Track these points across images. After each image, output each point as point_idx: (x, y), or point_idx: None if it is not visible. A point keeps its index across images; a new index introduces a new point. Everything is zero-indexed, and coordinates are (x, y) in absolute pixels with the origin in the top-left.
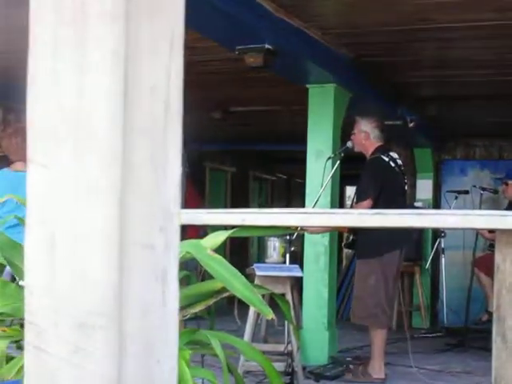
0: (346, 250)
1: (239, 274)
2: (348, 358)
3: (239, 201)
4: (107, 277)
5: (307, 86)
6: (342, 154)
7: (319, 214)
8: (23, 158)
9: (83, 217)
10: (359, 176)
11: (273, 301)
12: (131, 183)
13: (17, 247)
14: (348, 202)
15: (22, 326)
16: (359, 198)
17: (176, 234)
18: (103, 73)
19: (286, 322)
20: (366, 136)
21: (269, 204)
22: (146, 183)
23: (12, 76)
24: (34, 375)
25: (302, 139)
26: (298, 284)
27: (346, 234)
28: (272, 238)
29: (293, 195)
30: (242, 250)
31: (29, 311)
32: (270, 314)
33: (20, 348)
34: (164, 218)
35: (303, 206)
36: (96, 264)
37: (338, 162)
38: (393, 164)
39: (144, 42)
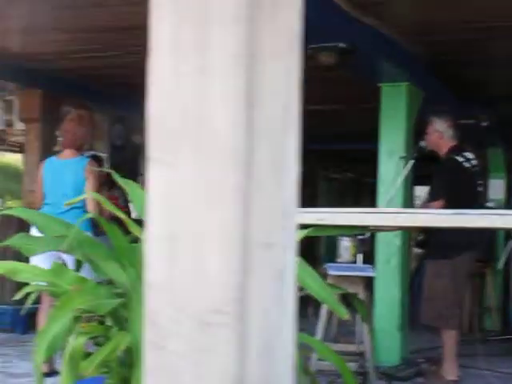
0: (414, 251)
1: (315, 273)
2: (420, 360)
3: (308, 200)
4: (230, 275)
5: (380, 84)
6: (416, 154)
7: (401, 213)
8: (75, 147)
9: (205, 216)
10: (429, 176)
11: (343, 300)
12: (253, 183)
13: (95, 244)
14: (418, 202)
15: (100, 322)
16: (431, 198)
17: (294, 233)
18: (225, 74)
19: (358, 322)
20: (440, 136)
21: (337, 203)
22: (267, 183)
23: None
24: (155, 373)
25: (370, 138)
26: (369, 284)
27: (413, 234)
28: (343, 238)
29: (362, 194)
30: (311, 250)
31: (149, 309)
32: (346, 315)
33: (97, 344)
34: (284, 218)
35: (372, 205)
36: (218, 263)
37: (412, 161)
38: (467, 164)
39: (265, 43)
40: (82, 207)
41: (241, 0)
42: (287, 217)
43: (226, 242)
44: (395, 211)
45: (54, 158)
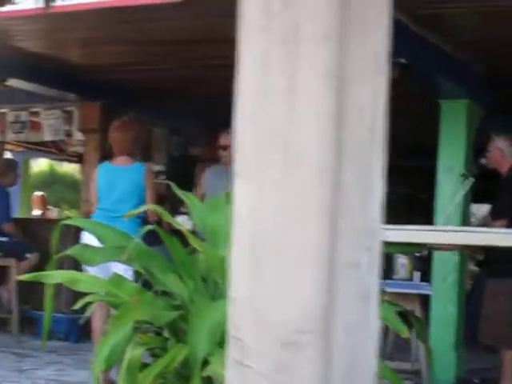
0: (470, 269)
1: None
2: (475, 380)
3: None
4: (315, 294)
5: (439, 100)
6: (476, 171)
7: (461, 231)
8: (127, 153)
9: (290, 234)
10: (486, 193)
11: (399, 318)
12: (340, 203)
13: (153, 256)
14: (473, 220)
15: (157, 333)
16: (493, 216)
17: (378, 253)
18: (314, 94)
19: (414, 340)
20: (502, 153)
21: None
22: (353, 203)
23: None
24: None
25: (425, 154)
26: (425, 302)
27: (472, 253)
28: (400, 255)
29: (415, 211)
30: None
31: (233, 325)
32: (406, 332)
33: (154, 355)
34: (369, 237)
35: (427, 222)
36: (303, 281)
37: (471, 179)
38: None
39: (354, 63)
40: (136, 215)
41: (332, 21)
42: (372, 237)
43: (312, 261)
44: (455, 229)
45: (108, 164)
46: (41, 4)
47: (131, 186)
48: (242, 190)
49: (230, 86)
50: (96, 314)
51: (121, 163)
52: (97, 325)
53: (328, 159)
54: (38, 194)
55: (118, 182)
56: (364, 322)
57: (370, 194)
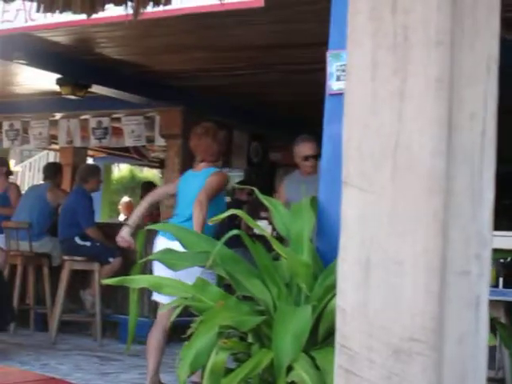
0: None
1: None
2: None
3: None
4: (426, 303)
5: None
6: None
7: None
8: (208, 159)
9: (401, 242)
10: None
11: None
12: (451, 210)
13: (237, 261)
14: None
15: (241, 338)
16: None
17: (489, 260)
18: (426, 99)
19: (499, 347)
20: None
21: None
22: (464, 210)
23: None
24: None
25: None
26: (510, 308)
27: None
28: None
29: (500, 217)
30: None
31: (341, 334)
32: (494, 341)
33: (237, 360)
34: (479, 245)
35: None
36: (414, 290)
37: None
38: None
39: (465, 67)
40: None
41: (443, 26)
42: (483, 244)
43: (422, 270)
44: None
45: (189, 171)
46: (130, 11)
47: (199, 189)
48: (350, 197)
49: (309, 90)
50: (152, 332)
51: (199, 169)
52: (150, 342)
53: (439, 165)
54: (126, 199)
55: (189, 187)
56: (474, 331)
57: (481, 200)
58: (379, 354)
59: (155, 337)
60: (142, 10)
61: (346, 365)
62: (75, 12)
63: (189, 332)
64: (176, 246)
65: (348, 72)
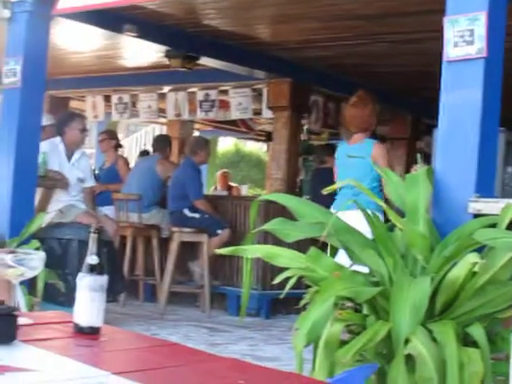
0: None
1: None
2: None
3: None
4: None
5: None
6: None
7: None
8: (363, 129)
9: None
10: None
11: None
12: None
13: (351, 231)
14: None
15: (355, 310)
16: None
17: None
18: None
19: None
20: None
21: None
22: None
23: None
24: None
25: None
26: None
27: None
28: None
29: None
30: None
31: None
32: None
33: (351, 332)
34: None
35: None
36: None
37: None
38: None
39: None
40: (375, 192)
41: None
42: None
43: None
44: None
45: (345, 144)
46: None
47: (364, 164)
48: None
49: (418, 61)
50: None
51: (355, 142)
52: None
53: None
54: (222, 171)
55: (352, 160)
56: None
57: None
58: None
59: None
60: None
61: None
62: None
63: (302, 303)
64: (351, 215)
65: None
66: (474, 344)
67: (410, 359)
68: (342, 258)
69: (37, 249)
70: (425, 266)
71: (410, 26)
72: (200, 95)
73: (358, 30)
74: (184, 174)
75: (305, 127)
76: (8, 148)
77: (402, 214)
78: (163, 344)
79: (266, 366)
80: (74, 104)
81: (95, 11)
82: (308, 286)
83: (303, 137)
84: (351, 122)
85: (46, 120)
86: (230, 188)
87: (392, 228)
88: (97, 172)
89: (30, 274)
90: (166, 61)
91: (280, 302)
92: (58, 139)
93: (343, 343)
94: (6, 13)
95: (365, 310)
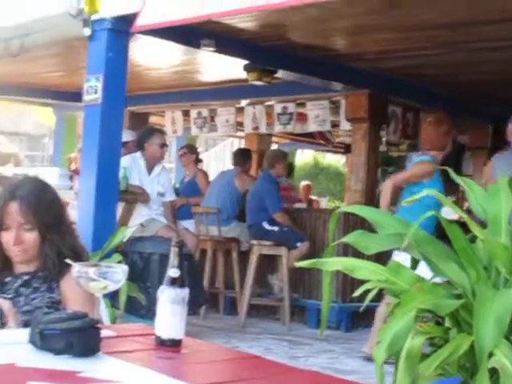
0: None
1: None
2: None
3: None
4: None
5: None
6: None
7: None
8: (437, 148)
9: None
10: None
11: None
12: None
13: (433, 243)
14: None
15: (437, 323)
16: None
17: None
18: None
19: None
20: None
21: None
22: None
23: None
24: None
25: None
26: None
27: None
28: None
29: None
30: None
31: None
32: None
33: (432, 345)
34: None
35: None
36: None
37: None
38: None
39: None
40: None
41: None
42: None
43: None
44: None
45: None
46: None
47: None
48: None
49: (501, 68)
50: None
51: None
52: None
53: None
54: (305, 183)
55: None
56: None
57: None
58: None
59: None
60: None
61: None
62: None
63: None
64: None
65: None
66: None
67: (493, 372)
68: (423, 269)
69: (119, 262)
70: (508, 277)
71: (492, 34)
72: (278, 108)
73: (438, 39)
74: (262, 188)
75: (383, 138)
76: (90, 163)
77: (483, 226)
78: (244, 357)
79: (346, 379)
80: (153, 119)
81: (173, 27)
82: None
83: (382, 148)
84: (425, 139)
85: (127, 136)
86: (310, 201)
87: (473, 239)
88: (177, 186)
89: (113, 287)
90: (243, 75)
91: (360, 315)
92: (138, 154)
93: (425, 356)
94: (87, 31)
95: (447, 323)
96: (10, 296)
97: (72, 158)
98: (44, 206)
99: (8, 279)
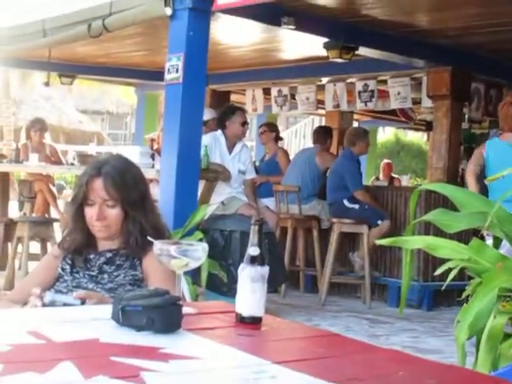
0: None
1: None
2: None
3: None
4: None
5: None
6: None
7: None
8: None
9: None
10: None
11: None
12: None
13: None
14: None
15: None
16: None
17: None
18: None
19: None
20: None
21: None
22: None
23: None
24: None
25: None
26: None
27: None
28: None
29: None
30: None
31: None
32: None
33: None
34: None
35: None
36: None
37: None
38: None
39: None
40: None
41: None
42: None
43: None
44: None
45: (496, 140)
46: None
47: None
48: None
49: None
50: None
51: (506, 138)
52: None
53: None
54: (386, 161)
55: (507, 159)
56: None
57: None
58: None
59: None
60: None
61: None
62: None
63: (464, 294)
64: None
65: None
66: None
67: None
68: (505, 248)
69: (200, 240)
70: None
71: None
72: (359, 86)
73: None
74: (343, 166)
75: (466, 116)
76: (171, 142)
77: None
78: (324, 334)
79: (427, 359)
80: (234, 97)
81: (253, 5)
82: (470, 278)
83: (464, 125)
84: (505, 120)
85: (208, 114)
86: (391, 179)
87: None
88: (257, 164)
89: (193, 265)
90: (324, 52)
91: (442, 294)
92: (219, 132)
93: (507, 336)
94: (168, 10)
95: None
96: (94, 273)
97: (154, 137)
98: (128, 184)
99: (92, 256)
